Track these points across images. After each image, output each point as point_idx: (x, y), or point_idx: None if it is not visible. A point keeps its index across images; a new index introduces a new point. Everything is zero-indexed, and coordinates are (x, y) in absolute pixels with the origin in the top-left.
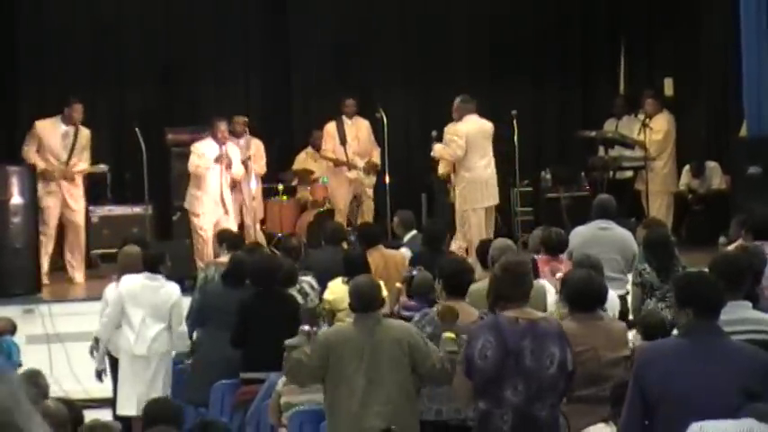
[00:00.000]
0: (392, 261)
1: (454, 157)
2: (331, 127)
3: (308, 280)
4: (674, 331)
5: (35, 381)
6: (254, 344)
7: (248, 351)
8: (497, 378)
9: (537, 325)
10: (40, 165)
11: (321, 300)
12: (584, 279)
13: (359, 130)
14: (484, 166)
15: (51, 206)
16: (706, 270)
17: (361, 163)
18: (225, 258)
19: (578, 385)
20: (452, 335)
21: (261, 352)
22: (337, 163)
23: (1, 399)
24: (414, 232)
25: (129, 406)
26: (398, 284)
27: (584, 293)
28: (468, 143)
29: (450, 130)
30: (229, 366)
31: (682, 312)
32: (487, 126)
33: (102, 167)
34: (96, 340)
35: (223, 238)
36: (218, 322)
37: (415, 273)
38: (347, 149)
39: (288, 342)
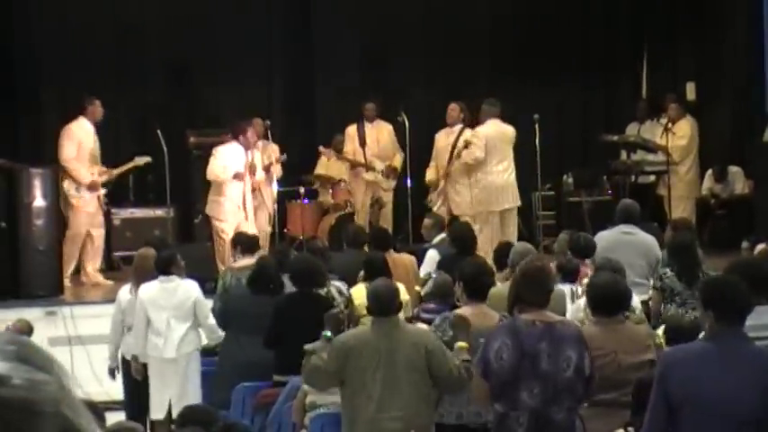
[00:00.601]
0: (401, 265)
1: (473, 159)
2: (351, 129)
3: (337, 285)
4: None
5: None
6: (288, 346)
7: (281, 353)
8: (513, 380)
9: (554, 328)
10: (87, 177)
11: (347, 306)
12: (609, 283)
13: (379, 133)
14: (501, 171)
15: (90, 210)
16: (733, 274)
17: (380, 165)
18: (241, 263)
19: (598, 389)
20: (465, 344)
21: (294, 355)
22: (354, 164)
23: (50, 389)
24: (443, 235)
25: (162, 410)
26: (418, 288)
27: (607, 297)
28: (486, 146)
29: (472, 132)
30: (252, 370)
31: (707, 316)
32: (508, 131)
33: (146, 158)
34: (135, 359)
35: (238, 241)
36: (241, 326)
37: (434, 276)
38: (366, 151)
39: (307, 347)
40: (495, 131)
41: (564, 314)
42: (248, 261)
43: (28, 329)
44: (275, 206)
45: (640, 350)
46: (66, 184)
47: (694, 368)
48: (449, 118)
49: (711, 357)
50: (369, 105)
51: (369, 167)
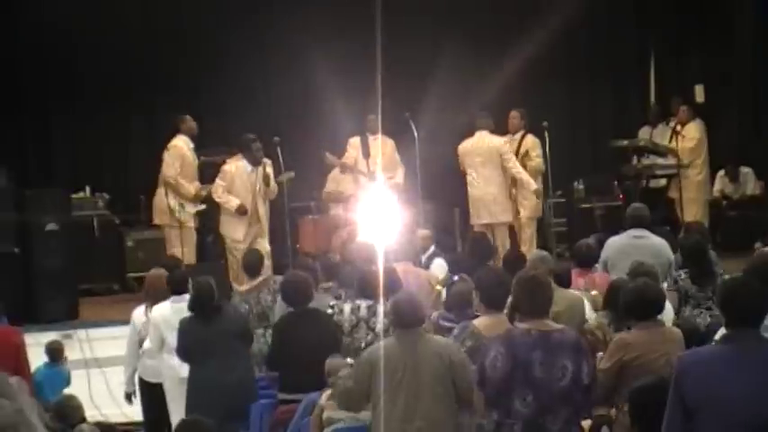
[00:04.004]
0: (414, 277)
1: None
2: (355, 140)
3: (357, 303)
4: (716, 336)
5: (69, 405)
6: (292, 365)
7: (285, 372)
8: (507, 389)
9: (550, 336)
10: (191, 192)
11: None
12: (640, 288)
13: (384, 146)
14: (479, 185)
15: (191, 226)
16: (751, 277)
17: (382, 178)
18: (246, 286)
19: None
20: None
21: (298, 373)
22: (358, 172)
23: (5, 413)
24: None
25: None
26: (438, 287)
27: (642, 302)
28: (461, 160)
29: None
30: None
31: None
32: (486, 144)
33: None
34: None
35: (244, 266)
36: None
37: (455, 279)
38: (370, 163)
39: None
40: (471, 145)
41: (583, 320)
42: (253, 282)
43: (62, 351)
44: (287, 221)
45: (680, 350)
46: (172, 201)
47: (709, 371)
48: (510, 126)
49: (726, 360)
50: (371, 117)
51: (372, 178)
